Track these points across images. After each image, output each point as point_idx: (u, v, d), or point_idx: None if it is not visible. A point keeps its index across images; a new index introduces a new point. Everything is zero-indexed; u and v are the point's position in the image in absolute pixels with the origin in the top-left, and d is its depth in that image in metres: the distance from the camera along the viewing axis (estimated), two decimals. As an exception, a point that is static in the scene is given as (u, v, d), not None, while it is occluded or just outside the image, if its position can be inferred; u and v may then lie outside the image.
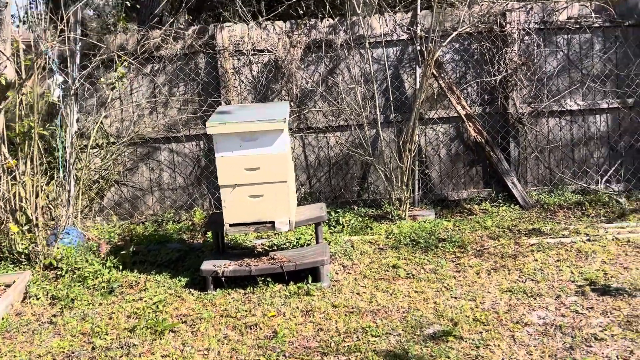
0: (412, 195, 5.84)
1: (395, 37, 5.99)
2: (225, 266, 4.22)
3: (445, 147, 6.14)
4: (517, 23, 5.83)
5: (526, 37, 5.90)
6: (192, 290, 4.27)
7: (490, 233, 5.10)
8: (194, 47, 5.94)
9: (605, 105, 5.97)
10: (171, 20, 6.06)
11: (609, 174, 6.01)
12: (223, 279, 4.20)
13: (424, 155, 6.11)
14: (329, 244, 4.94)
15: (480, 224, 5.32)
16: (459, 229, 5.24)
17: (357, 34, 5.94)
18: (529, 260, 4.45)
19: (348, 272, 4.45)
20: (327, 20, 5.98)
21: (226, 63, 5.94)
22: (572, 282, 4.01)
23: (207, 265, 4.26)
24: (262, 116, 4.15)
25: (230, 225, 4.23)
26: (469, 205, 5.90)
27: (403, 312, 3.71)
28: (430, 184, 6.14)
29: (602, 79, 5.95)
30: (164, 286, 4.36)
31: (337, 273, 4.44)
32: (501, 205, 5.84)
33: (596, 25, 5.86)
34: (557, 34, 5.93)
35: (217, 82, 5.99)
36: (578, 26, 5.86)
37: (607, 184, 5.98)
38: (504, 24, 5.83)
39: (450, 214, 5.77)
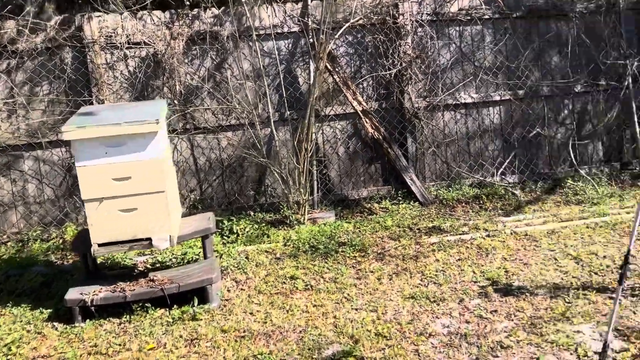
0: (311, 197, 5.51)
1: (286, 29, 5.61)
2: (95, 293, 3.63)
3: (344, 144, 5.87)
4: (410, 14, 5.66)
5: (419, 29, 5.75)
6: (56, 324, 3.64)
7: (391, 233, 4.88)
8: (58, 40, 5.20)
9: (497, 98, 5.98)
10: (28, 9, 5.26)
11: (504, 166, 6.03)
12: (93, 308, 3.62)
13: (322, 154, 5.80)
14: (220, 257, 4.49)
15: (381, 224, 5.09)
16: (360, 231, 4.97)
17: (245, 26, 5.49)
18: (430, 260, 4.26)
19: (241, 288, 4.02)
20: (211, 10, 5.47)
21: (97, 58, 5.26)
22: (475, 282, 3.86)
23: (73, 294, 3.65)
24: (132, 117, 3.60)
25: (100, 245, 3.64)
26: (370, 204, 5.67)
27: (300, 331, 3.35)
28: (330, 184, 5.84)
29: (494, 71, 5.94)
30: (21, 321, 3.69)
31: (228, 290, 3.99)
32: (401, 202, 5.66)
33: (486, 17, 5.83)
34: (449, 25, 5.84)
35: (88, 79, 5.29)
36: (469, 18, 5.80)
37: (503, 176, 6.00)
38: (396, 15, 5.64)
39: (351, 215, 5.50)
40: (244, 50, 5.56)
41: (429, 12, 5.74)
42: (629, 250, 2.35)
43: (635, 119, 5.94)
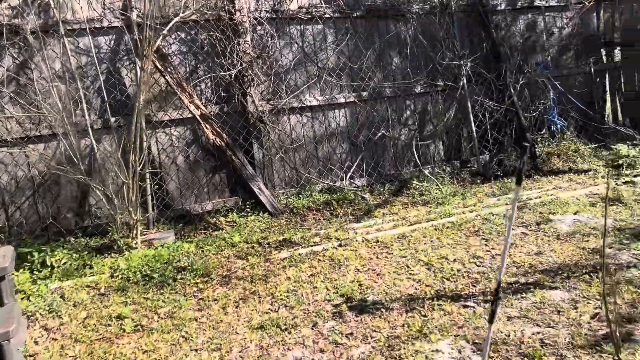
0: (145, 216, 4.83)
1: (106, 24, 4.87)
2: None
3: (182, 153, 5.26)
4: (248, 11, 5.24)
5: (259, 27, 5.35)
6: None
7: (239, 251, 4.41)
8: None
9: (342, 100, 5.80)
10: None
11: (352, 170, 5.87)
12: None
13: (157, 165, 5.14)
14: (28, 299, 3.67)
15: (227, 241, 4.60)
16: (203, 252, 4.43)
17: (54, 19, 4.64)
18: (281, 279, 3.87)
19: (53, 338, 3.27)
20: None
21: None
22: (329, 301, 3.53)
23: None
24: None
25: None
26: (215, 219, 5.15)
27: (125, 389, 2.74)
28: (168, 199, 5.20)
29: (337, 73, 5.76)
30: None
31: (36, 342, 3.22)
32: (250, 214, 5.23)
33: (327, 15, 5.62)
34: (290, 24, 5.53)
35: None
36: (310, 16, 5.54)
37: (351, 180, 5.85)
38: (233, 11, 5.18)
39: (194, 232, 4.93)
40: (55, 47, 4.71)
41: (267, 9, 5.37)
42: (499, 283, 2.13)
43: (471, 118, 6.14)
